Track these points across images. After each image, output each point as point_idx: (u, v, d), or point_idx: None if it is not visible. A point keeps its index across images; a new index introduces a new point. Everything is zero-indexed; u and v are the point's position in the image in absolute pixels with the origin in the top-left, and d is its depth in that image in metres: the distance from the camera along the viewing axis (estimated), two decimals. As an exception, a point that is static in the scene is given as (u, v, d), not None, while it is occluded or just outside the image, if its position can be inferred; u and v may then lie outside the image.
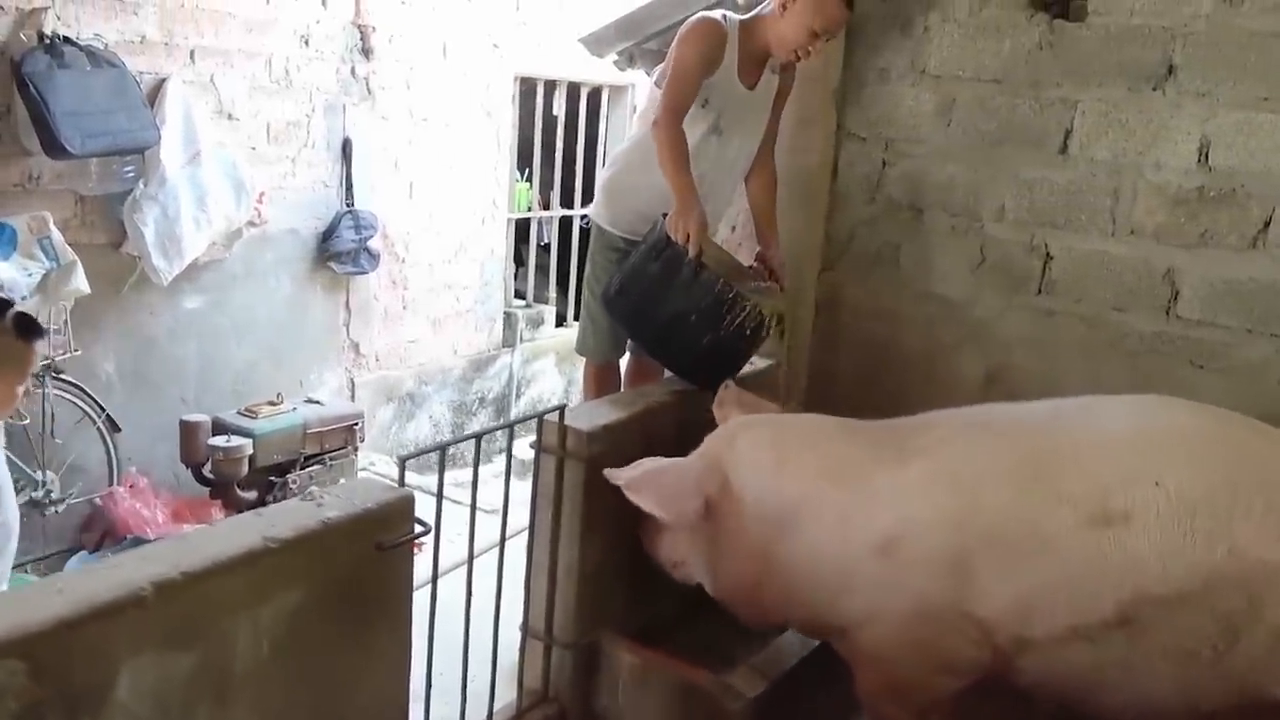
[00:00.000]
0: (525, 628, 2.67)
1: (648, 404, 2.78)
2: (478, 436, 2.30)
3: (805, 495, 2.36)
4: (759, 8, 3.05)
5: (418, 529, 2.05)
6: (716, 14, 3.01)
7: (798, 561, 2.34)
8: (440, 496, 2.16)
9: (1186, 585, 1.98)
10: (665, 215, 2.83)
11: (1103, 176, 2.93)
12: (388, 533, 1.99)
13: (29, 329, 2.45)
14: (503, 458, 4.65)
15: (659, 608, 2.84)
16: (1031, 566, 2.11)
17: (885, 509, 2.25)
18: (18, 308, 2.46)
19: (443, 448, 2.19)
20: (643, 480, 2.45)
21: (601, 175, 3.36)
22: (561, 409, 2.54)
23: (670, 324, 2.79)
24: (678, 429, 2.85)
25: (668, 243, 2.77)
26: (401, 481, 2.09)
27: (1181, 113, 2.80)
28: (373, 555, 1.96)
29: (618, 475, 2.46)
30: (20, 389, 2.45)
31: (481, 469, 3.71)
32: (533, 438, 2.59)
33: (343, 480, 4.62)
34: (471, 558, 2.35)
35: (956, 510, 2.18)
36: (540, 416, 2.52)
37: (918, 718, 2.33)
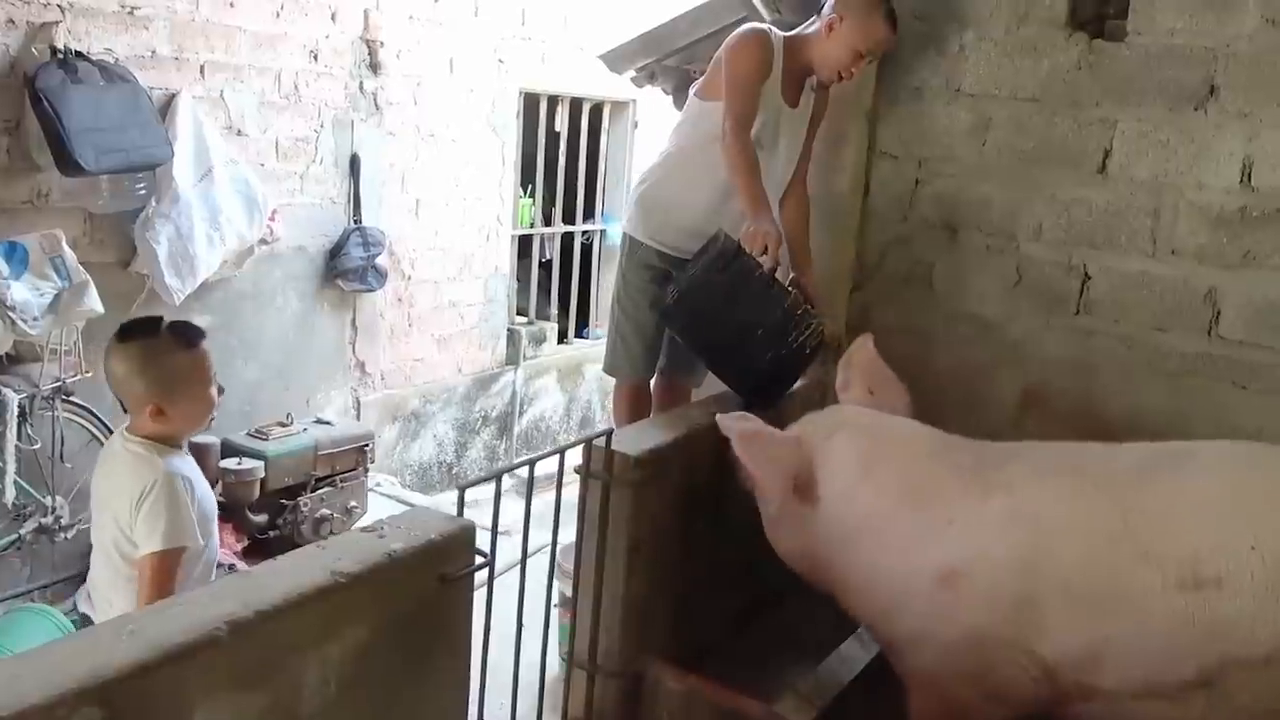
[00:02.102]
0: (569, 656, 2.61)
1: (690, 427, 2.73)
2: (531, 462, 2.24)
3: (880, 510, 2.33)
4: (802, 27, 3.03)
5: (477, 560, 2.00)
6: (763, 26, 3.01)
7: (859, 572, 2.33)
8: (495, 528, 2.10)
9: (1274, 648, 1.93)
10: (726, 232, 2.79)
11: (1143, 196, 2.91)
12: (450, 564, 1.93)
13: (188, 334, 2.36)
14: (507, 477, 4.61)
15: (704, 632, 2.79)
16: (1107, 621, 2.04)
17: (956, 539, 2.19)
18: (168, 320, 2.38)
19: (498, 475, 2.13)
20: (754, 440, 2.44)
21: (635, 189, 3.31)
22: (609, 433, 2.49)
23: (735, 337, 2.73)
24: (720, 451, 2.81)
25: (738, 253, 2.72)
26: (460, 510, 2.03)
27: (1224, 133, 2.79)
28: (435, 588, 1.90)
29: (730, 425, 2.46)
30: (213, 390, 2.36)
31: (485, 489, 3.67)
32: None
33: (353, 504, 4.56)
34: (523, 588, 2.30)
35: (1031, 553, 2.11)
36: (588, 441, 2.46)
37: None
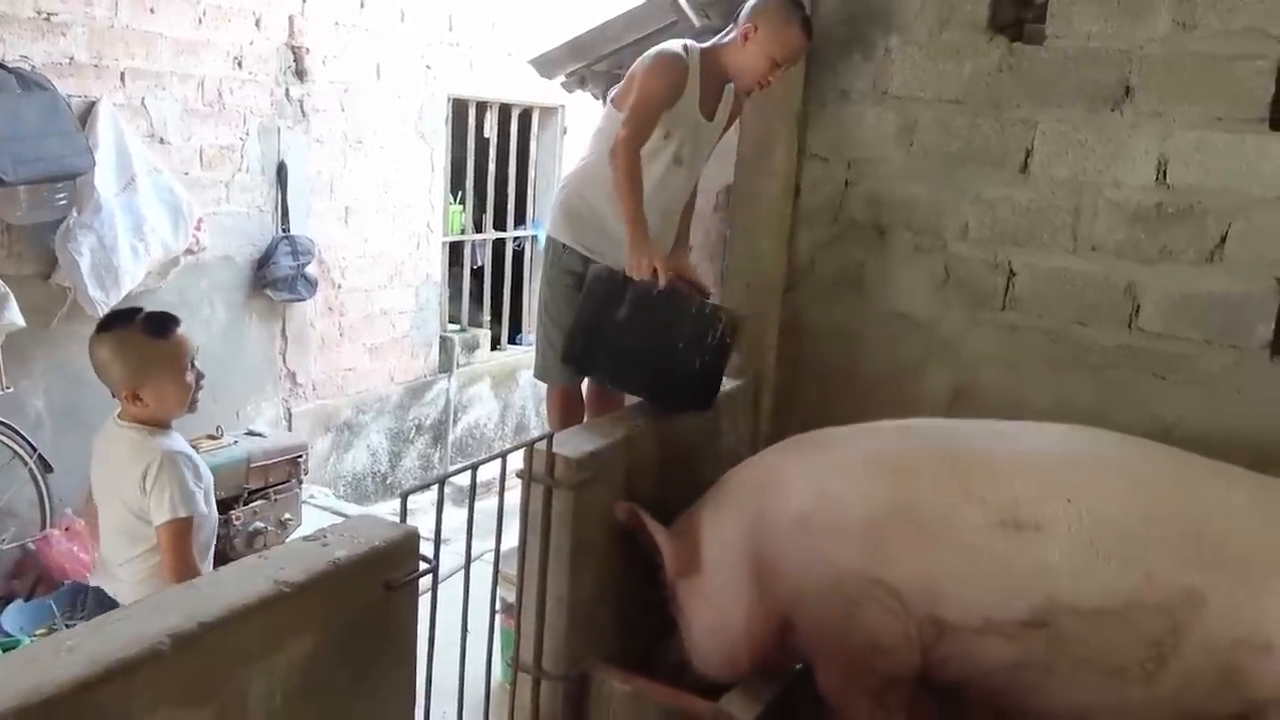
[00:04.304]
0: (514, 660, 2.61)
1: (629, 430, 2.74)
2: (473, 467, 2.25)
3: (743, 506, 2.53)
4: (719, 36, 3.06)
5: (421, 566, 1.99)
6: (678, 45, 3.00)
7: (754, 564, 2.47)
8: (438, 534, 2.10)
9: (1104, 603, 2.10)
10: (604, 266, 2.85)
11: (1063, 195, 3.00)
12: (394, 571, 1.92)
13: (160, 324, 2.51)
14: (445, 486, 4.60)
15: (649, 634, 2.80)
16: (939, 551, 2.24)
17: (805, 487, 2.42)
18: (145, 310, 2.55)
19: (440, 481, 2.13)
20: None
21: (558, 194, 3.30)
22: (550, 437, 2.50)
23: (661, 360, 2.74)
24: (659, 453, 2.84)
25: (627, 282, 2.71)
26: (403, 517, 2.02)
27: (1139, 132, 2.88)
28: (381, 595, 1.89)
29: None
30: (189, 378, 2.51)
31: (423, 498, 3.64)
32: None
33: (287, 516, 4.49)
34: (467, 595, 2.29)
35: (871, 487, 2.34)
36: (530, 445, 2.47)
37: (879, 705, 2.37)
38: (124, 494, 2.47)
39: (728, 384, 3.15)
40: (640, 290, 2.72)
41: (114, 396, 2.53)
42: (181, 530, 2.43)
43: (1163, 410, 2.92)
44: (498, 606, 2.86)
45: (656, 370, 2.78)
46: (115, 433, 2.52)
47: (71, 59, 4.02)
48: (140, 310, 2.56)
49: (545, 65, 4.08)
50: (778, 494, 2.46)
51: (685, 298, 2.80)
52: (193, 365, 2.52)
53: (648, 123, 2.91)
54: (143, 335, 2.47)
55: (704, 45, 3.06)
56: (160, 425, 2.51)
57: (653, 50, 3.01)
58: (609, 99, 3.22)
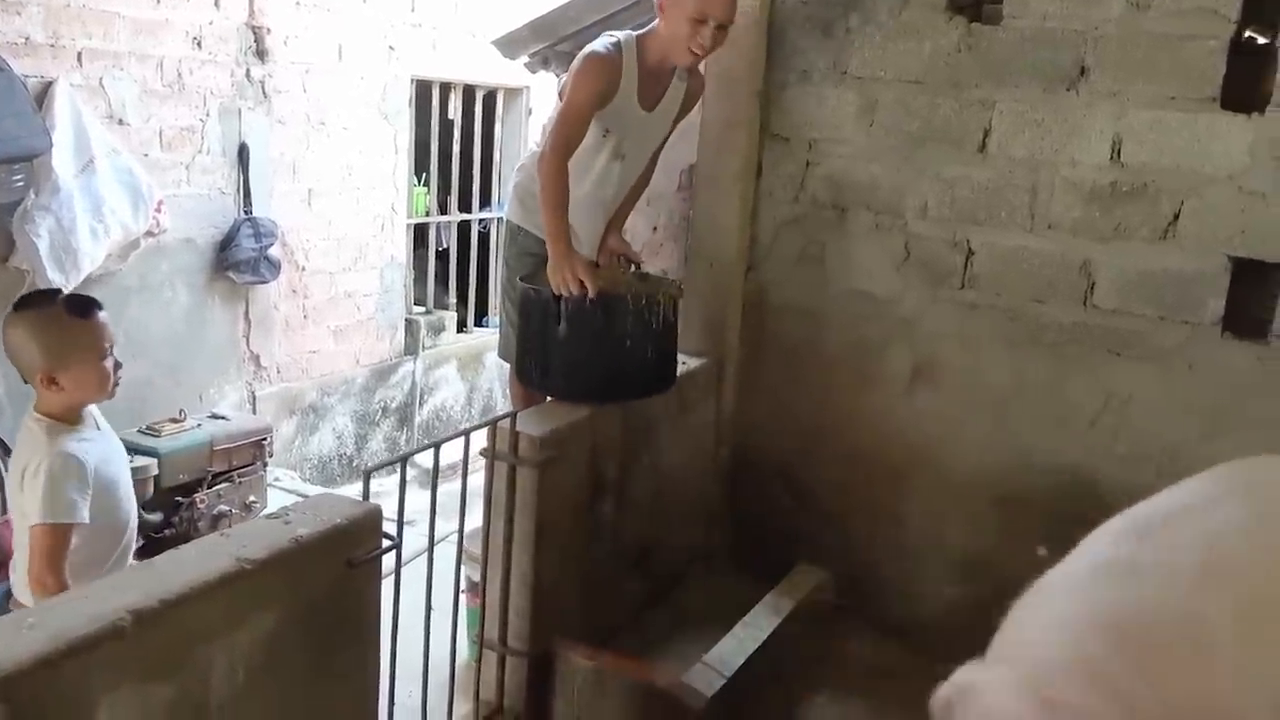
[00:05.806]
0: (480, 638, 2.63)
1: (592, 408, 2.76)
2: (436, 445, 2.25)
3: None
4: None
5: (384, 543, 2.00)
6: (609, 41, 2.88)
7: None
8: (401, 512, 2.11)
9: None
10: (531, 287, 2.80)
11: (1020, 174, 3.04)
12: (357, 548, 1.93)
13: (80, 306, 2.38)
14: (411, 468, 4.58)
15: (610, 612, 2.83)
16: None
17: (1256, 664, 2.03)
18: (66, 292, 2.43)
19: (404, 459, 2.14)
20: None
21: (514, 177, 3.29)
22: (513, 415, 2.51)
23: (613, 363, 2.73)
24: (622, 432, 2.86)
25: (558, 299, 2.68)
26: (366, 495, 2.03)
27: (1094, 112, 2.92)
28: (343, 573, 1.91)
29: None
30: (108, 363, 2.35)
31: (390, 480, 3.64)
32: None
33: (252, 498, 4.48)
34: (431, 572, 2.30)
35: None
36: (494, 423, 2.48)
37: None
38: (11, 488, 2.34)
39: (690, 362, 3.18)
40: (574, 304, 2.67)
41: (25, 382, 2.34)
42: (50, 536, 2.21)
43: (1117, 385, 2.98)
44: (462, 585, 2.87)
45: (611, 373, 2.75)
46: (24, 425, 2.36)
47: (27, 39, 3.97)
48: (60, 292, 2.45)
49: (508, 46, 4.08)
50: (1222, 672, 1.99)
51: (621, 297, 2.74)
52: (111, 351, 2.38)
53: (575, 133, 2.82)
54: (65, 314, 2.33)
55: (640, 33, 2.93)
56: (69, 419, 2.33)
57: (583, 52, 2.90)
58: (558, 93, 3.17)
